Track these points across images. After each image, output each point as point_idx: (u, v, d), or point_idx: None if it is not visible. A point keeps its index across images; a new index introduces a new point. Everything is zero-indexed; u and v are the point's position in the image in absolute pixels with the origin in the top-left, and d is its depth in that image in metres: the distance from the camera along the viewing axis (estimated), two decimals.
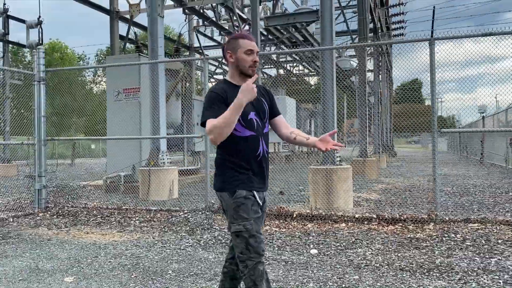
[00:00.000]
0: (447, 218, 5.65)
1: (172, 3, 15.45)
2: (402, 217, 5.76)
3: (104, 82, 17.63)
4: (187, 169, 11.33)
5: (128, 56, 10.41)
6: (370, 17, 15.99)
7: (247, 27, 14.94)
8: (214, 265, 4.42)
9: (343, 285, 3.73)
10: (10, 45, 18.13)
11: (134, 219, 6.64)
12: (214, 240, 5.41)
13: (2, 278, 4.10)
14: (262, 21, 10.80)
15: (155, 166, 8.70)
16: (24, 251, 5.10)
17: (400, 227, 5.60)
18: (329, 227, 5.82)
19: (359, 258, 4.47)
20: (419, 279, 3.85)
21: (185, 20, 16.32)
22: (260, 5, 16.45)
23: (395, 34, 25.79)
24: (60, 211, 7.27)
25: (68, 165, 21.19)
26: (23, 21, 15.72)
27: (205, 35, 22.75)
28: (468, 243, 4.81)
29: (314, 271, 4.13)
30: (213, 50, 25.03)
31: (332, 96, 7.46)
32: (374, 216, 5.93)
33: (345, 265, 4.29)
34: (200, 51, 23.81)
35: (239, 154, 2.56)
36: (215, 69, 23.86)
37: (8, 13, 14.67)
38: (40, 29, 15.09)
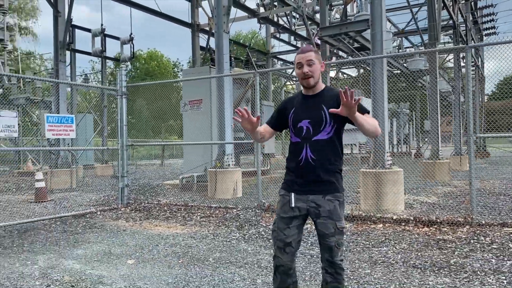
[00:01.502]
0: (483, 222, 5.71)
1: (246, 14, 16.47)
2: (438, 220, 5.93)
3: None
4: (254, 170, 12.13)
5: (200, 68, 11.51)
6: (448, 15, 15.47)
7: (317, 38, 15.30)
8: (249, 256, 5.10)
9: (352, 277, 4.18)
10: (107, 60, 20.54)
11: (196, 215, 7.58)
12: (257, 235, 6.09)
13: (82, 258, 5.18)
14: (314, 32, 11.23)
15: (221, 168, 9.62)
16: (104, 238, 6.23)
17: (434, 229, 5.79)
18: (366, 227, 6.19)
19: (379, 256, 4.85)
20: (427, 275, 4.16)
21: (259, 29, 17.20)
22: (331, 10, 16.79)
23: (485, 28, 24.24)
24: (138, 207, 8.48)
25: (159, 165, 23.33)
26: (117, 38, 17.80)
27: (282, 41, 23.54)
28: (494, 246, 4.92)
29: None
30: (292, 55, 25.76)
31: (382, 106, 7.72)
32: (412, 218, 6.16)
33: (363, 261, 4.71)
34: (278, 56, 24.65)
35: (288, 157, 2.97)
36: (292, 72, 24.41)
37: (105, 33, 16.75)
38: (131, 45, 17.02)
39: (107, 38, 17.51)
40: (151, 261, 4.99)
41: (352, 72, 31.04)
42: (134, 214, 7.99)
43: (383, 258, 4.75)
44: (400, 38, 23.27)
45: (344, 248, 2.97)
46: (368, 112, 2.83)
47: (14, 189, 12.30)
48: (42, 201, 9.68)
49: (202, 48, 18.42)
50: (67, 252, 5.43)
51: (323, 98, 2.90)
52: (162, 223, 7.20)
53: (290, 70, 24.70)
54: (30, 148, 18.04)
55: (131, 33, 16.86)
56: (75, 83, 15.16)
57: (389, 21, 20.72)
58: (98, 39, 17.19)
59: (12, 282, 4.25)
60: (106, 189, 11.09)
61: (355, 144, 20.57)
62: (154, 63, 51.99)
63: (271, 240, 5.79)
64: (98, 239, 6.19)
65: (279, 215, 2.92)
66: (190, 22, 17.52)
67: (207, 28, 17.96)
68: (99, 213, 8.13)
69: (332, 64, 14.76)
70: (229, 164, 9.71)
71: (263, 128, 3.09)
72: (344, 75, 30.55)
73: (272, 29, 22.26)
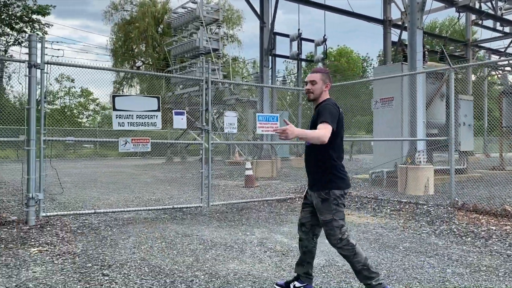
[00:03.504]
0: None
1: (442, 4, 15.71)
2: None
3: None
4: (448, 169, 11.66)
5: (392, 66, 11.66)
6: None
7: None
8: (439, 248, 5.31)
9: None
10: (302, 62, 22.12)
11: (386, 208, 7.96)
12: (449, 231, 6.17)
13: (287, 234, 6.19)
14: None
15: (412, 164, 9.69)
16: None
17: None
18: None
19: None
20: None
21: (458, 18, 16.13)
22: None
23: None
24: None
25: (347, 160, 24.02)
26: (312, 40, 19.09)
27: (486, 27, 21.40)
28: None
29: None
30: (498, 42, 23.14)
31: None
32: None
33: None
34: (480, 45, 22.46)
35: None
36: (497, 61, 21.82)
37: (301, 37, 18.19)
38: (324, 45, 18.07)
39: (302, 42, 18.96)
40: None
41: None
42: None
43: None
44: None
45: (336, 237, 3.50)
46: (323, 122, 3.34)
47: (227, 176, 14.64)
48: (250, 187, 11.40)
49: (393, 43, 18.28)
50: (275, 228, 6.53)
51: (316, 110, 3.56)
52: (354, 213, 7.82)
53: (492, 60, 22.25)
54: (238, 142, 20.91)
55: (325, 35, 17.91)
56: (276, 86, 17.05)
57: None
58: (294, 43, 18.77)
59: (239, 246, 5.48)
60: (301, 179, 12.30)
61: None
62: (343, 59, 52.83)
63: (463, 237, 5.83)
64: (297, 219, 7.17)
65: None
66: (382, 18, 17.61)
67: (399, 23, 17.75)
68: (297, 199, 9.24)
69: None
70: (420, 161, 9.71)
71: None
72: None
73: (473, 16, 20.50)
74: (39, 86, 6.40)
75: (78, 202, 8.86)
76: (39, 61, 6.35)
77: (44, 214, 6.49)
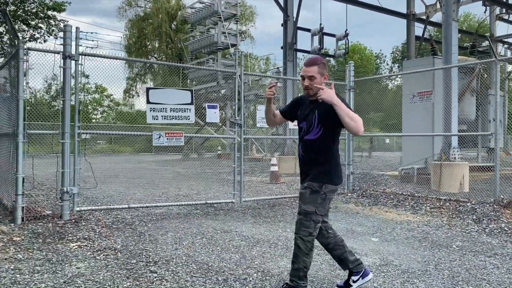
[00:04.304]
0: None
1: None
2: None
3: (399, 78, 19.30)
4: (482, 166, 11.35)
5: (423, 60, 11.35)
6: None
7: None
8: (496, 248, 5.05)
9: None
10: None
11: (425, 205, 7.69)
12: (499, 230, 5.90)
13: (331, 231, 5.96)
14: None
15: (446, 161, 9.40)
16: (342, 218, 6.96)
17: None
18: None
19: None
20: None
21: (484, 12, 15.75)
22: None
23: None
24: (363, 193, 9.04)
25: (366, 157, 23.69)
26: (333, 35, 18.75)
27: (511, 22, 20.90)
28: None
29: None
30: None
31: None
32: None
33: None
34: (504, 40, 21.94)
35: None
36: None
37: (323, 31, 17.84)
38: (346, 40, 17.72)
39: (324, 36, 18.59)
40: (393, 241, 5.43)
41: None
42: (361, 199, 8.59)
43: None
44: None
45: (309, 230, 3.36)
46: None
47: (249, 172, 14.44)
48: (276, 182, 11.19)
49: (417, 37, 17.90)
50: None
51: (319, 103, 3.27)
52: (392, 210, 7.57)
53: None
54: (258, 136, 20.69)
55: (346, 29, 17.55)
56: (299, 78, 16.73)
57: None
58: (315, 38, 18.43)
59: (283, 243, 5.27)
60: None
61: None
62: (356, 56, 52.26)
63: None
64: (336, 218, 6.95)
65: None
66: (405, 12, 17.25)
67: (423, 17, 17.37)
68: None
69: None
70: (455, 157, 9.42)
71: (278, 112, 3.77)
72: None
73: (497, 10, 20.01)
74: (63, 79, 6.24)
75: (106, 197, 8.71)
76: (73, 52, 6.19)
77: (78, 209, 6.34)
